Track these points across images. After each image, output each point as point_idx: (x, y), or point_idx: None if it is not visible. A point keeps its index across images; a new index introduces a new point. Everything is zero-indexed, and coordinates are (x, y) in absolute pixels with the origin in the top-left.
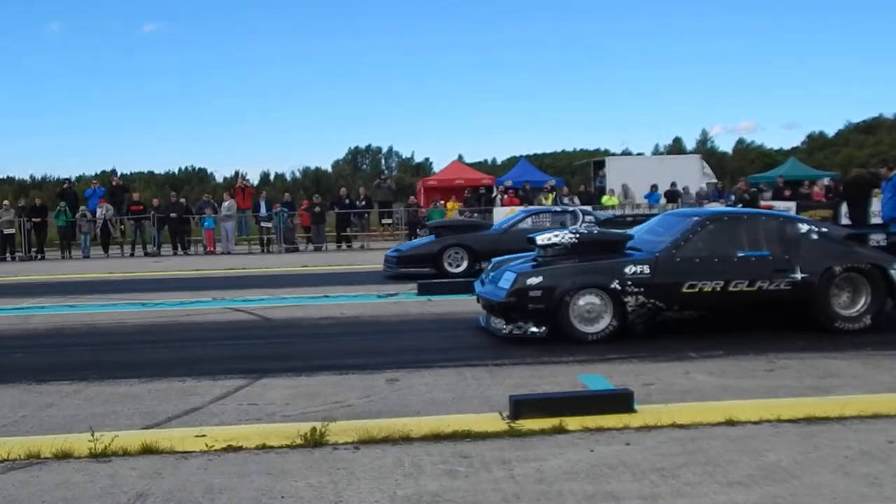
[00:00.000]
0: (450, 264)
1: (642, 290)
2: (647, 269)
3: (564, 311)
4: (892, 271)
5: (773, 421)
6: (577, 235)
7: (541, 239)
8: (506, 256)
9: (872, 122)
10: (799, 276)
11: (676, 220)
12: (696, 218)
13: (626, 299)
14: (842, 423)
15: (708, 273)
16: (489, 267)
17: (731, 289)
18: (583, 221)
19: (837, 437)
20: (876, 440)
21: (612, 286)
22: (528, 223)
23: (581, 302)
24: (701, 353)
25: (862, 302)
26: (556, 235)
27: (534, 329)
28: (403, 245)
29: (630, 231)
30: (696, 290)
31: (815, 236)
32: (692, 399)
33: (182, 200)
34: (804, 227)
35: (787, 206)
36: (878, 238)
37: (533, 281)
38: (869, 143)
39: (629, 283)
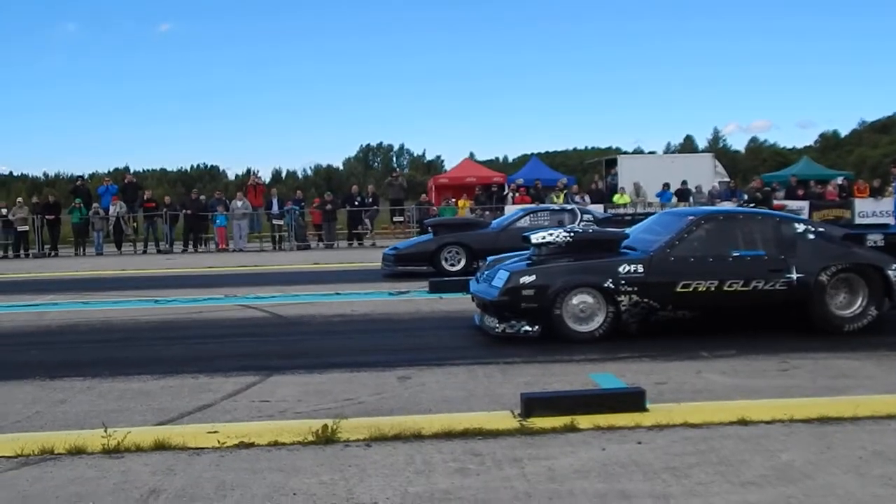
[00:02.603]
0: (449, 263)
1: (636, 289)
2: (640, 269)
3: (557, 310)
4: (890, 272)
5: (785, 421)
6: (572, 234)
7: (535, 237)
8: (502, 255)
9: (887, 120)
10: (795, 276)
11: (672, 220)
12: (691, 217)
13: (619, 298)
14: (855, 423)
15: (702, 273)
16: (484, 265)
17: (725, 288)
18: (581, 220)
19: (851, 437)
20: (890, 441)
21: (606, 285)
22: (525, 221)
23: (574, 301)
24: (713, 353)
25: (859, 303)
26: (551, 234)
27: (527, 328)
28: (401, 243)
29: (626, 230)
30: (690, 289)
31: (811, 236)
32: (704, 398)
33: (202, 197)
34: (800, 227)
35: (800, 206)
36: (875, 238)
37: (526, 279)
38: (883, 143)
39: (623, 282)
